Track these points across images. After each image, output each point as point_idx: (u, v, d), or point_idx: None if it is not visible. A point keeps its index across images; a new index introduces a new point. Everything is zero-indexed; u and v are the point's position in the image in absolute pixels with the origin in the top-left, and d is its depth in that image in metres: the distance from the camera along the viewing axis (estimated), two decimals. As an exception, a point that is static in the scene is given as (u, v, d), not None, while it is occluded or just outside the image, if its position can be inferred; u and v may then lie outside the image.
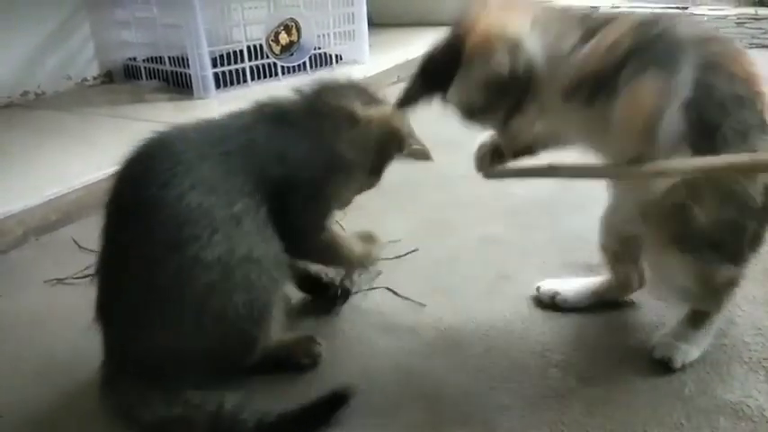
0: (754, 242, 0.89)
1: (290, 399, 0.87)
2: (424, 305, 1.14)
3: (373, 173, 1.08)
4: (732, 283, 0.92)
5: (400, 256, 1.32)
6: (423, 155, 1.10)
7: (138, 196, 0.86)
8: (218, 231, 0.85)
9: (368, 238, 1.14)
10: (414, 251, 1.34)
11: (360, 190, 1.10)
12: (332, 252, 1.05)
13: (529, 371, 0.98)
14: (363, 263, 1.13)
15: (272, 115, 1.00)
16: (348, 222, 1.48)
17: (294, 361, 1.00)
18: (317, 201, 0.99)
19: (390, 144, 1.05)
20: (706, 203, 0.84)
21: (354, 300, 1.19)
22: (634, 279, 1.09)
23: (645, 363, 0.97)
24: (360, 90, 1.07)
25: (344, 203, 1.10)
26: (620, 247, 1.05)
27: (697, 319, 0.96)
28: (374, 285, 1.22)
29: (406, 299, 1.16)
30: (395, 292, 1.19)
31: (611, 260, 1.08)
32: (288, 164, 0.95)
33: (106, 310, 0.88)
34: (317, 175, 0.97)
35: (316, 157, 0.97)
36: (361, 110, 1.01)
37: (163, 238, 0.83)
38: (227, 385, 0.86)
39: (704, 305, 0.95)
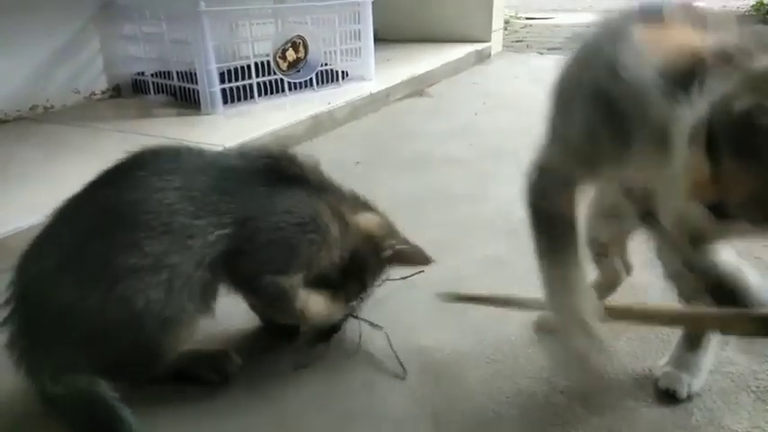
0: None
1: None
2: (381, 328, 1.12)
3: (352, 277, 1.08)
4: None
5: (405, 278, 1.32)
6: (414, 258, 1.11)
7: (101, 192, 0.95)
8: (171, 233, 0.89)
9: (334, 297, 1.11)
10: (420, 272, 1.34)
11: (329, 268, 1.06)
12: (284, 301, 1.00)
13: (535, 397, 0.98)
14: (315, 322, 1.07)
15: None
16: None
17: (203, 376, 1.00)
18: (281, 245, 0.98)
19: (366, 248, 1.07)
20: None
21: (357, 322, 1.19)
22: (621, 272, 1.10)
23: (651, 390, 0.97)
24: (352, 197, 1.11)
25: (309, 268, 1.04)
26: (607, 240, 1.05)
27: (693, 341, 0.96)
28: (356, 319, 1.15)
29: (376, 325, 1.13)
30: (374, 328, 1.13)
31: (597, 255, 1.08)
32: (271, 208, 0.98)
33: (31, 258, 0.93)
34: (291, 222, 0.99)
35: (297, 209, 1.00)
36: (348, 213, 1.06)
37: (97, 228, 0.90)
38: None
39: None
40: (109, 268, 0.87)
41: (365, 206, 1.11)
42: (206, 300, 0.96)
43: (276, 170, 1.02)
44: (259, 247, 0.96)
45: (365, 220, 1.08)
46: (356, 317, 1.13)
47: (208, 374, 1.00)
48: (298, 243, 0.98)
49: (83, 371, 0.87)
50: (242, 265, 0.96)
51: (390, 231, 1.09)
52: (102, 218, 0.91)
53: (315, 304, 1.03)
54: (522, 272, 1.32)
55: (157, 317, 0.89)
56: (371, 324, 1.11)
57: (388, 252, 1.07)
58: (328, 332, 1.11)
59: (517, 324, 1.16)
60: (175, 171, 0.95)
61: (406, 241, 1.09)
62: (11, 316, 0.90)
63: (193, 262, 0.91)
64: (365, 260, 1.07)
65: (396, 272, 1.30)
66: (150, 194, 0.91)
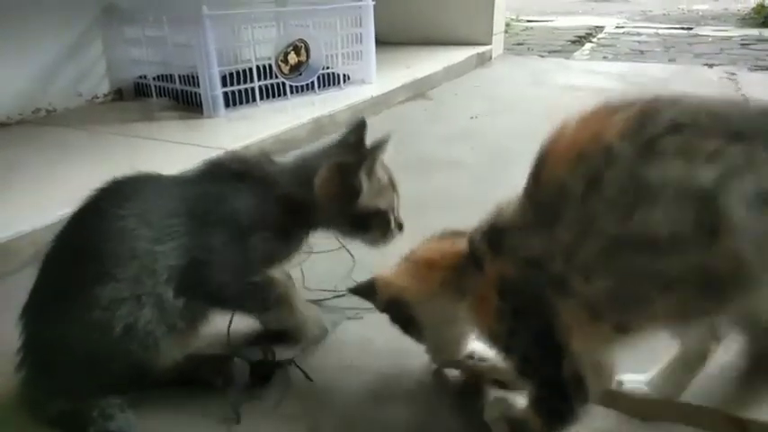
0: None
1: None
2: (312, 380, 1.05)
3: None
4: None
5: None
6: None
7: (87, 214, 0.99)
8: (137, 258, 0.93)
9: (310, 308, 1.15)
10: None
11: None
12: (262, 293, 1.04)
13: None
14: (300, 322, 1.11)
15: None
16: (353, 245, 1.50)
17: (205, 379, 1.01)
18: (237, 250, 1.00)
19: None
20: None
21: (359, 328, 1.20)
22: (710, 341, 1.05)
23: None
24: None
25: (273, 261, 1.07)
26: None
27: None
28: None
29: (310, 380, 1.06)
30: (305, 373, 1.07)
31: None
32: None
33: (29, 304, 0.97)
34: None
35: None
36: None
37: (89, 251, 0.94)
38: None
39: None
40: (86, 299, 0.92)
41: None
42: (187, 316, 0.99)
43: (224, 175, 1.05)
44: (217, 258, 0.98)
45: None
46: (296, 365, 1.07)
47: (212, 379, 1.01)
48: (252, 243, 1.01)
49: (80, 391, 0.93)
50: (208, 277, 0.98)
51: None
52: (76, 253, 0.97)
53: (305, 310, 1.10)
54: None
55: (138, 338, 0.93)
56: (306, 375, 1.05)
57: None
58: (264, 376, 1.04)
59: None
60: (134, 198, 0.99)
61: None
62: (20, 348, 0.97)
63: (162, 282, 0.95)
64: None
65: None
66: (112, 224, 0.95)
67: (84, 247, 0.95)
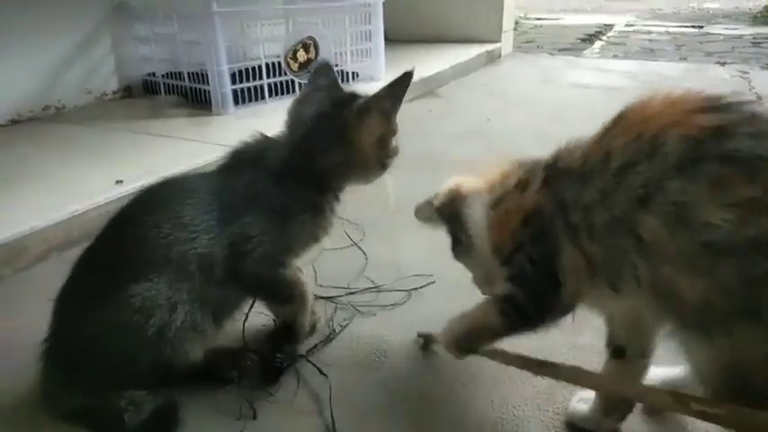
0: None
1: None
2: (326, 375, 1.03)
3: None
4: None
5: (416, 289, 1.31)
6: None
7: (128, 216, 1.00)
8: (173, 263, 0.94)
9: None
10: (431, 283, 1.32)
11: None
12: (290, 286, 1.06)
13: (554, 401, 0.97)
14: (306, 320, 1.11)
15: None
16: (365, 243, 1.49)
17: (220, 373, 1.01)
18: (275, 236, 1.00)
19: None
20: None
21: (372, 325, 1.19)
22: None
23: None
24: None
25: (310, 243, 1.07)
26: None
27: None
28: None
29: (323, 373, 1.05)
30: (319, 369, 1.05)
31: None
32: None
33: (59, 301, 0.97)
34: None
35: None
36: None
37: (126, 255, 0.95)
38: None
39: None
40: (121, 300, 0.92)
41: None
42: (217, 317, 1.01)
43: (245, 163, 1.05)
44: (254, 245, 0.98)
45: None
46: (309, 360, 1.07)
47: (227, 372, 1.01)
48: (291, 228, 1.01)
49: (104, 387, 0.93)
50: (245, 265, 0.98)
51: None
52: (113, 256, 0.97)
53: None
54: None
55: (169, 340, 0.94)
56: (319, 370, 1.04)
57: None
58: (274, 374, 1.03)
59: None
60: (166, 202, 0.99)
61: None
62: (46, 344, 0.97)
63: (197, 283, 0.96)
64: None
65: (403, 284, 1.31)
66: (148, 231, 0.95)
67: (121, 251, 0.96)
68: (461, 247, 0.98)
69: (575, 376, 0.89)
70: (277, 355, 1.03)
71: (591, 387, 0.90)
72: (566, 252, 0.80)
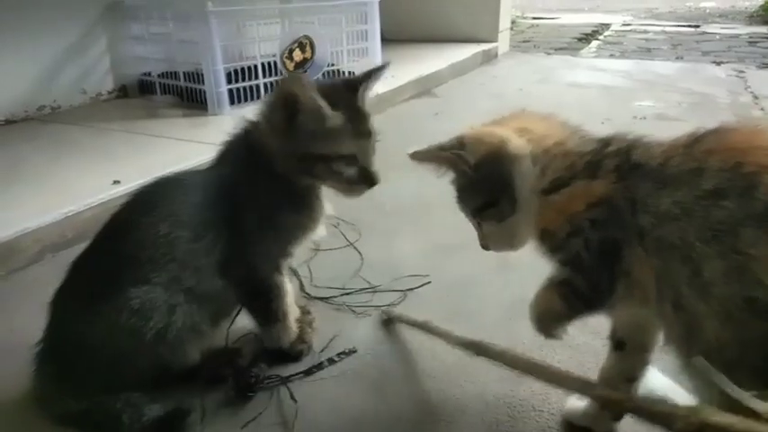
0: None
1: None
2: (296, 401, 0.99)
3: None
4: None
5: (412, 289, 1.30)
6: None
7: (124, 218, 0.99)
8: (174, 261, 0.93)
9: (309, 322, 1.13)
10: (426, 283, 1.32)
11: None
12: (275, 302, 1.03)
13: (549, 399, 0.97)
14: (289, 340, 1.07)
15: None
16: (361, 243, 1.49)
17: (213, 371, 1.01)
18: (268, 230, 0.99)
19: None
20: None
21: (373, 324, 1.18)
22: None
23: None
24: None
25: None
26: None
27: None
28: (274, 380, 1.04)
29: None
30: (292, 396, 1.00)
31: None
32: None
33: (55, 304, 0.96)
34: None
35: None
36: None
37: (124, 256, 0.93)
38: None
39: None
40: (119, 302, 0.91)
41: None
42: (215, 317, 1.01)
43: (234, 157, 1.02)
44: (251, 240, 0.98)
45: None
46: (284, 383, 1.02)
47: (223, 370, 1.01)
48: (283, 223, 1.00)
49: (100, 389, 0.92)
50: (237, 262, 0.98)
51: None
52: (111, 257, 0.96)
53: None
54: (536, 274, 1.31)
55: (168, 343, 0.93)
56: (291, 396, 0.99)
57: None
58: (248, 388, 1.00)
59: (530, 325, 1.14)
60: (161, 203, 0.98)
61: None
62: (41, 346, 0.96)
63: (203, 281, 0.95)
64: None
65: (398, 284, 1.31)
66: (146, 231, 0.94)
67: (119, 252, 0.95)
68: (495, 209, 0.88)
69: (510, 360, 0.91)
70: (251, 373, 1.01)
71: (524, 372, 0.90)
72: (631, 249, 0.76)
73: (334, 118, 0.93)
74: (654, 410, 0.73)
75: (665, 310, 0.72)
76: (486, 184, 0.87)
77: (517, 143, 0.85)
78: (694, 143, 0.74)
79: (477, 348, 0.95)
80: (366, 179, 0.98)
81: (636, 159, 0.78)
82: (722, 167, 0.69)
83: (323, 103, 0.92)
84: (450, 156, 0.88)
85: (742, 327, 0.65)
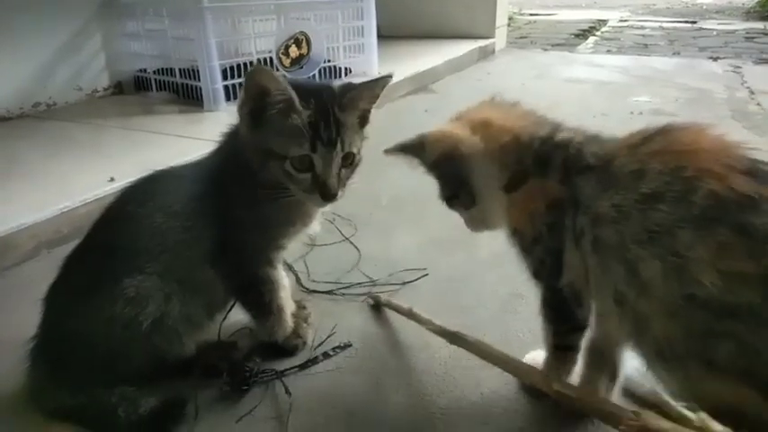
0: None
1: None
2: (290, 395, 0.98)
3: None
4: None
5: (407, 282, 1.30)
6: None
7: (117, 210, 1.00)
8: (167, 251, 0.93)
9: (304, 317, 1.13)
10: (423, 276, 1.32)
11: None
12: (268, 295, 1.03)
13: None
14: (284, 334, 1.07)
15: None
16: (358, 238, 1.49)
17: (208, 365, 1.01)
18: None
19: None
20: None
21: (370, 318, 1.18)
22: None
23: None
24: None
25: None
26: None
27: None
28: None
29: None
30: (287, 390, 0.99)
31: None
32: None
33: (49, 299, 0.96)
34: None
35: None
36: None
37: (118, 247, 0.94)
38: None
39: None
40: (114, 293, 0.91)
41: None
42: (210, 309, 1.02)
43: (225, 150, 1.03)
44: (236, 231, 0.98)
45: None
46: (279, 378, 1.02)
47: (219, 363, 1.01)
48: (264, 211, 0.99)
49: (95, 382, 0.92)
50: (230, 252, 0.98)
51: None
52: (104, 250, 0.96)
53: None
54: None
55: (164, 333, 0.93)
56: (286, 390, 0.98)
57: None
58: (242, 382, 0.99)
59: (525, 319, 1.15)
60: (153, 195, 0.98)
61: None
62: (36, 342, 0.96)
63: (194, 270, 0.96)
64: None
65: (396, 277, 1.31)
66: (139, 222, 0.94)
67: (112, 244, 0.95)
68: (458, 200, 0.93)
69: (485, 352, 0.96)
70: (246, 367, 1.00)
71: (496, 364, 0.95)
72: (569, 251, 0.79)
73: (300, 115, 0.89)
74: (602, 410, 0.80)
75: (607, 307, 0.75)
76: (445, 179, 0.93)
77: (470, 143, 0.88)
78: (642, 143, 0.76)
79: (453, 337, 1.00)
80: (320, 189, 0.92)
81: (585, 159, 0.80)
82: (662, 170, 0.70)
83: (294, 96, 0.89)
84: (409, 155, 0.94)
85: (687, 322, 0.66)
